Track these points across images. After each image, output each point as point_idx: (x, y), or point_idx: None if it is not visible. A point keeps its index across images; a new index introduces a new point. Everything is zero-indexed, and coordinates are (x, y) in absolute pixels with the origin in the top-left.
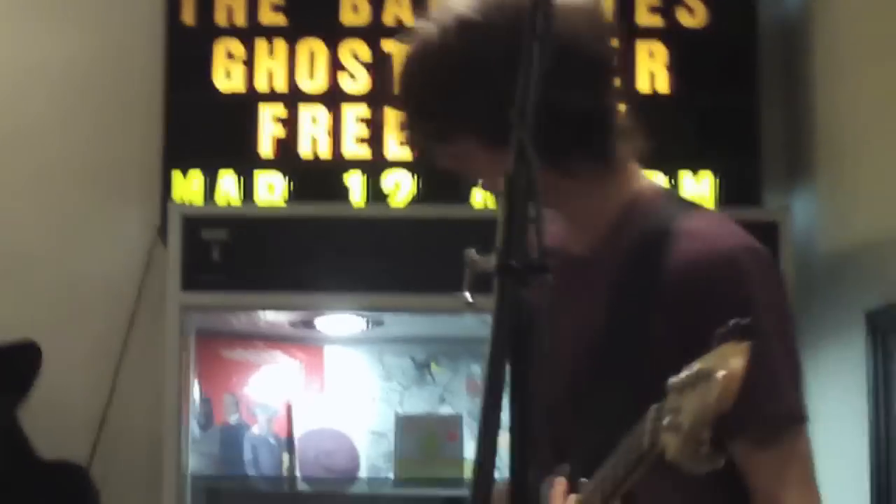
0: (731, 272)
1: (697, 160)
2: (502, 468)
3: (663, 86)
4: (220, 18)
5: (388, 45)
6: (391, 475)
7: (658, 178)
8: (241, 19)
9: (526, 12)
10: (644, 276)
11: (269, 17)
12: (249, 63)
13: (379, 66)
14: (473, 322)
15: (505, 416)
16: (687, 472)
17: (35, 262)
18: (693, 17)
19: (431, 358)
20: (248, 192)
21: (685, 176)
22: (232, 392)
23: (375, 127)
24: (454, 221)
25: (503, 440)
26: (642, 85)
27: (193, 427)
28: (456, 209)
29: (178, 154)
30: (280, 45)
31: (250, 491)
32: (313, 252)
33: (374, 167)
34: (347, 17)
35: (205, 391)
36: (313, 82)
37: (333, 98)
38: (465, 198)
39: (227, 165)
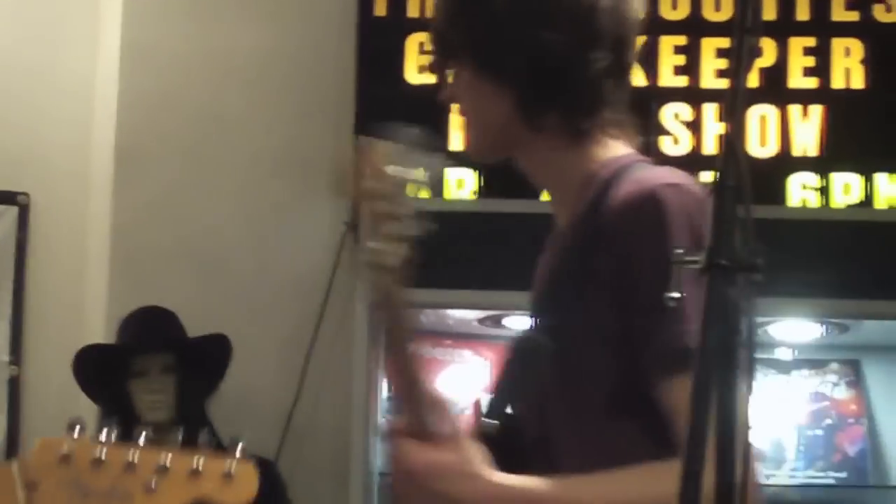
0: (651, 204)
1: (894, 160)
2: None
3: (858, 82)
4: (413, 11)
5: None
6: None
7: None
8: (432, 11)
9: None
10: (588, 222)
11: None
12: None
13: None
14: None
15: None
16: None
17: (228, 256)
18: (890, 12)
19: None
20: (437, 187)
21: (880, 178)
22: None
23: None
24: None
25: None
26: (837, 82)
27: (381, 423)
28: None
29: None
30: None
31: None
32: (503, 249)
33: None
34: None
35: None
36: None
37: None
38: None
39: None
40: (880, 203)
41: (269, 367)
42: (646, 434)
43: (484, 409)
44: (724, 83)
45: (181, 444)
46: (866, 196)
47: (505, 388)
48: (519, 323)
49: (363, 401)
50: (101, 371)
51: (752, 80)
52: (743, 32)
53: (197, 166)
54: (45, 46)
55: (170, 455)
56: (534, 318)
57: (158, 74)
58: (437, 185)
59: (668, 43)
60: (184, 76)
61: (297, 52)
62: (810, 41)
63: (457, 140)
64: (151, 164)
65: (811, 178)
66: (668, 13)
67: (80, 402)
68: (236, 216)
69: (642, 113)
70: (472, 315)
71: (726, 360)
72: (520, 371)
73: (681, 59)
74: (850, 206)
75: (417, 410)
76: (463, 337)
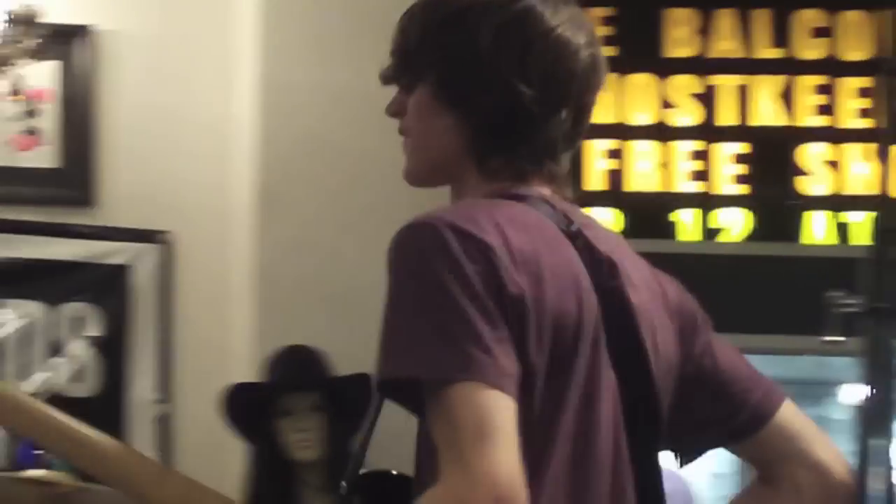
0: (393, 243)
1: None
2: None
3: None
4: None
5: (716, 79)
6: None
7: None
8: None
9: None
10: None
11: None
12: None
13: (707, 99)
14: (812, 363)
15: None
16: None
17: (371, 293)
18: None
19: None
20: None
21: None
22: None
23: (706, 162)
24: (785, 259)
25: None
26: None
27: None
28: (787, 247)
29: None
30: (609, 78)
31: None
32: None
33: (705, 202)
34: (674, 51)
35: None
36: (642, 116)
37: (663, 132)
38: (794, 236)
39: None
40: None
41: None
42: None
43: None
44: (864, 122)
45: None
46: None
47: None
48: None
49: None
50: (248, 409)
51: None
52: (890, 72)
53: (339, 203)
54: (179, 86)
55: None
56: None
57: (299, 112)
58: None
59: (805, 83)
60: (324, 113)
61: None
62: None
63: (596, 180)
64: (294, 201)
65: None
66: (804, 53)
67: (228, 439)
68: (379, 253)
69: (782, 152)
70: None
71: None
72: None
73: (821, 99)
74: None
75: None
76: None
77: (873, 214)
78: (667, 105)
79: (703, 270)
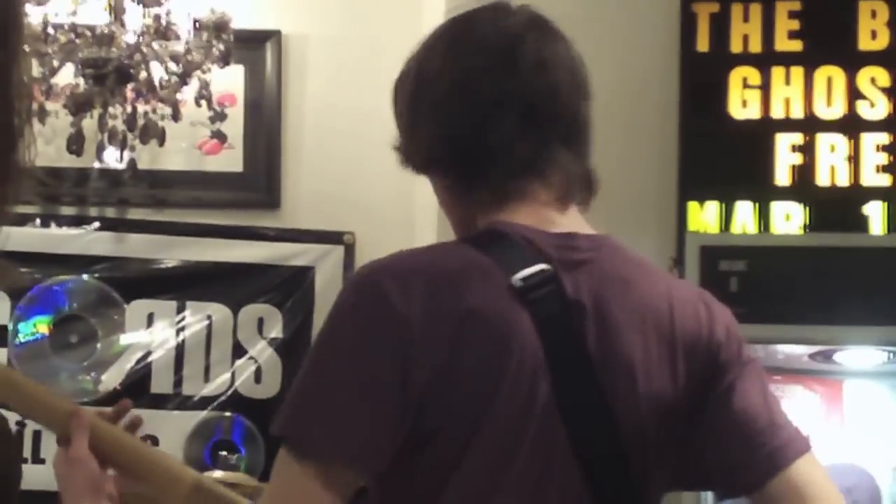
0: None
1: None
2: None
3: None
4: (736, 45)
5: None
6: None
7: None
8: (756, 46)
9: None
10: None
11: (785, 43)
12: (765, 90)
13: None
14: None
15: None
16: None
17: None
18: None
19: None
20: (764, 221)
21: None
22: None
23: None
24: None
25: None
26: None
27: None
28: None
29: (694, 183)
30: (797, 72)
31: None
32: (832, 283)
33: (895, 196)
34: (866, 43)
35: None
36: (831, 109)
37: (852, 125)
38: None
39: (743, 195)
40: None
41: None
42: None
43: None
44: None
45: None
46: None
47: None
48: (850, 357)
49: None
50: None
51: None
52: None
53: None
54: (365, 90)
55: None
56: None
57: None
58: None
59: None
60: None
61: (618, 88)
62: None
63: (783, 174)
64: None
65: None
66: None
67: None
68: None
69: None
70: (802, 350)
71: None
72: None
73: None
74: None
75: None
76: (793, 372)
77: None
78: (856, 97)
79: (893, 264)
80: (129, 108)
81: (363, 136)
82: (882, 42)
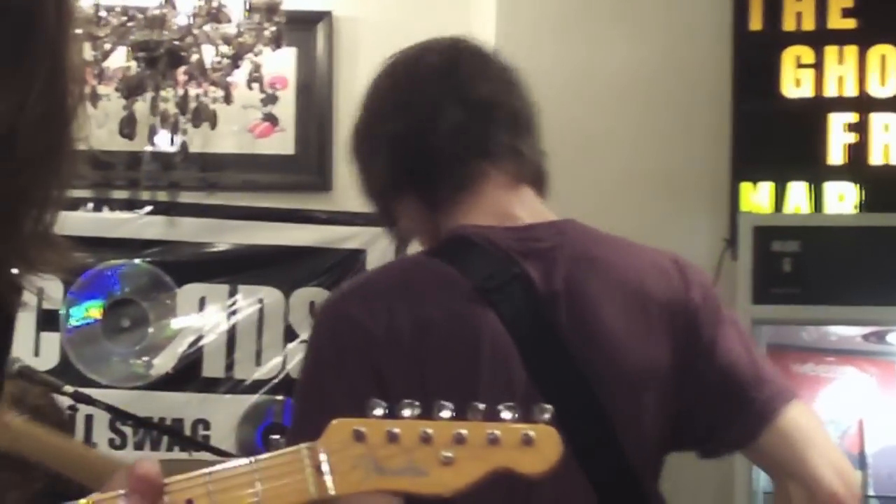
0: None
1: None
2: None
3: None
4: (789, 24)
5: None
6: None
7: None
8: (809, 24)
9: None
10: None
11: (839, 21)
12: (819, 69)
13: None
14: None
15: None
16: None
17: None
18: None
19: None
20: (817, 201)
21: None
22: None
23: None
24: None
25: None
26: None
27: None
28: None
29: (747, 164)
30: (850, 50)
31: None
32: (886, 263)
33: None
34: None
35: None
36: (885, 88)
37: None
38: None
39: (796, 175)
40: None
41: None
42: None
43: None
44: None
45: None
46: None
47: None
48: None
49: None
50: None
51: None
52: None
53: (570, 185)
54: None
55: (466, 424)
56: None
57: (533, 94)
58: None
59: None
60: (554, 95)
61: (670, 68)
62: None
63: (835, 154)
64: None
65: None
66: None
67: None
68: (613, 232)
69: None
70: (855, 331)
71: None
72: None
73: None
74: None
75: None
76: (846, 353)
77: None
78: None
79: None
80: (180, 91)
81: None
82: None
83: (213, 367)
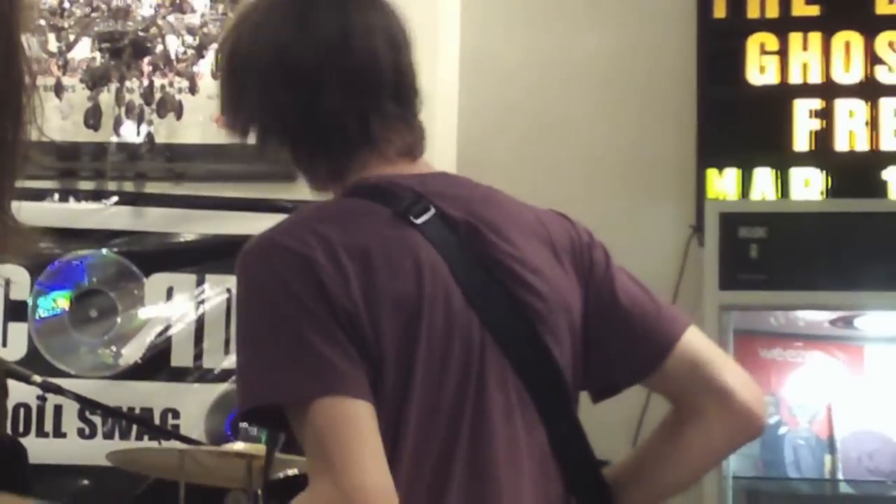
0: (235, 270)
1: None
2: None
3: None
4: (753, 11)
5: None
6: None
7: None
8: (773, 11)
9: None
10: None
11: (803, 8)
12: (783, 56)
13: None
14: None
15: None
16: None
17: None
18: None
19: None
20: (783, 188)
21: None
22: (772, 392)
23: None
24: None
25: None
26: None
27: None
28: None
29: (713, 150)
30: (814, 37)
31: (790, 492)
32: (852, 249)
33: None
34: (883, 7)
35: None
36: (849, 74)
37: (871, 90)
38: None
39: (762, 161)
40: None
41: None
42: None
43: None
44: None
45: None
46: None
47: None
48: (871, 323)
49: None
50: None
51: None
52: None
53: (538, 173)
54: None
55: None
56: None
57: (498, 82)
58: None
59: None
60: (523, 83)
61: (635, 56)
62: None
63: (802, 140)
64: (494, 172)
65: None
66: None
67: None
68: (579, 219)
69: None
70: (822, 316)
71: None
72: None
73: None
74: None
75: None
76: (814, 339)
77: None
78: (875, 62)
79: None
80: (145, 82)
81: None
82: None
83: (181, 357)
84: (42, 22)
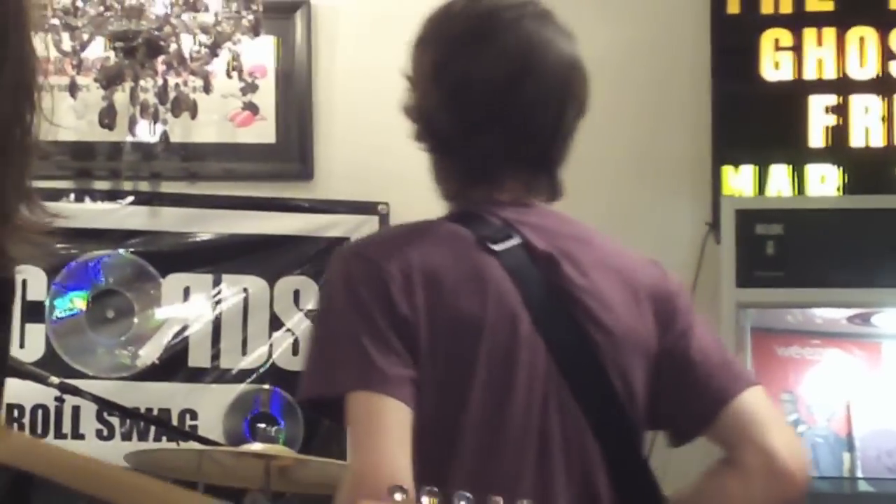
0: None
1: None
2: None
3: None
4: (767, 7)
5: None
6: None
7: None
8: (787, 7)
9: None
10: None
11: (817, 4)
12: (798, 52)
13: None
14: None
15: None
16: None
17: None
18: None
19: None
20: (800, 184)
21: None
22: (789, 390)
23: None
24: None
25: None
26: None
27: None
28: None
29: (728, 147)
30: (829, 33)
31: (809, 491)
32: (868, 245)
33: None
34: None
35: None
36: (864, 70)
37: (886, 86)
38: None
39: (777, 158)
40: None
41: None
42: None
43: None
44: None
45: None
46: None
47: None
48: (888, 320)
49: None
50: None
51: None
52: None
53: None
54: (394, 61)
55: None
56: None
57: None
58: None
59: None
60: None
61: (650, 52)
62: None
63: (817, 137)
64: None
65: None
66: None
67: None
68: (595, 219)
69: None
70: (840, 314)
71: None
72: None
73: None
74: None
75: None
76: (831, 336)
77: None
78: (890, 57)
79: None
80: (160, 81)
81: (395, 106)
82: None
83: (198, 357)
84: (56, 21)
